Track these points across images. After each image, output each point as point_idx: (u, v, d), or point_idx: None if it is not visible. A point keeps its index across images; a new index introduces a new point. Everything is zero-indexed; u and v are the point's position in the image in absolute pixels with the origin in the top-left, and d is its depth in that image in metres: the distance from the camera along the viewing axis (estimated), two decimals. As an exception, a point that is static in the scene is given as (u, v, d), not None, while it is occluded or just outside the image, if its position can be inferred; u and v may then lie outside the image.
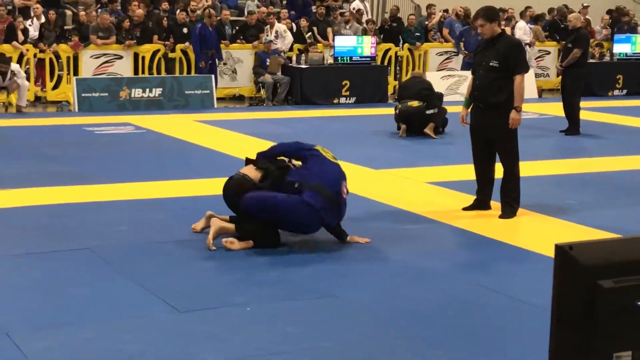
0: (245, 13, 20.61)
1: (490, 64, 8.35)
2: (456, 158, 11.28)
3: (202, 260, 6.84)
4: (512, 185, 8.50)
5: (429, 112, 13.68)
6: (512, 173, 8.50)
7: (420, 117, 13.67)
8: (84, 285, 6.17)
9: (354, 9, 21.86)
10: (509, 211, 8.43)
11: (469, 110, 8.73)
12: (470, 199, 8.80)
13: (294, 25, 20.07)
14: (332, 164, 7.25)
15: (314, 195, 6.92)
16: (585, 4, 23.54)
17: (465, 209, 8.67)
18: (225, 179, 7.51)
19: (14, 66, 16.00)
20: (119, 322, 5.46)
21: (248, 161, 7.54)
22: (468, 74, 19.54)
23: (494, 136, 8.43)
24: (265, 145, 12.66)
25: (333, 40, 19.32)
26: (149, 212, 8.49)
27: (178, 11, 19.04)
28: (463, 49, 19.90)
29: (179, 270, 6.56)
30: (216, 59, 18.09)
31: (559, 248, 2.78)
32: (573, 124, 14.25)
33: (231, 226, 7.19)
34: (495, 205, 8.62)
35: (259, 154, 7.54)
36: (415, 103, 13.68)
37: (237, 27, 19.62)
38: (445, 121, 13.99)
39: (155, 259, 6.83)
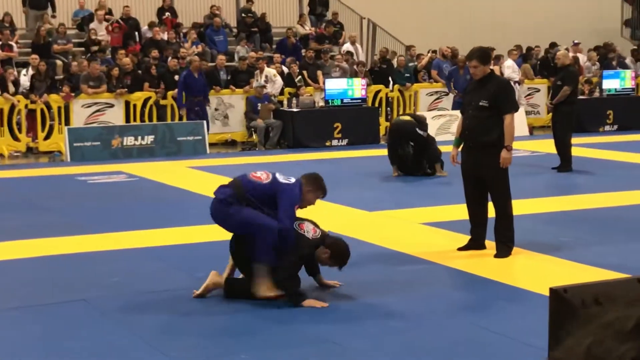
0: (236, 58, 20.72)
1: (480, 103, 8.40)
2: (450, 198, 11.29)
3: (198, 310, 6.80)
4: (506, 225, 8.50)
5: (420, 132, 13.70)
6: (505, 212, 8.51)
7: (413, 137, 13.67)
8: (81, 338, 6.12)
9: (344, 51, 22.05)
10: (504, 251, 8.43)
11: (460, 149, 8.76)
12: (465, 238, 8.80)
13: (284, 69, 20.17)
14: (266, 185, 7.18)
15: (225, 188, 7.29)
16: (576, 41, 23.72)
17: (460, 249, 8.67)
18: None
19: None
20: (115, 375, 5.42)
21: None
22: (459, 114, 19.72)
23: (485, 176, 8.46)
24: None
25: (323, 83, 19.42)
26: (143, 261, 8.46)
27: (169, 58, 19.14)
28: (453, 87, 20.04)
29: (175, 320, 6.53)
30: (204, 106, 18.12)
31: (553, 291, 2.77)
32: (565, 161, 14.29)
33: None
34: (490, 244, 8.61)
35: None
36: (406, 117, 13.83)
37: (229, 74, 19.71)
38: (441, 162, 13.97)
39: (151, 310, 6.80)
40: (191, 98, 17.92)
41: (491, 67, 9.16)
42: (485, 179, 8.48)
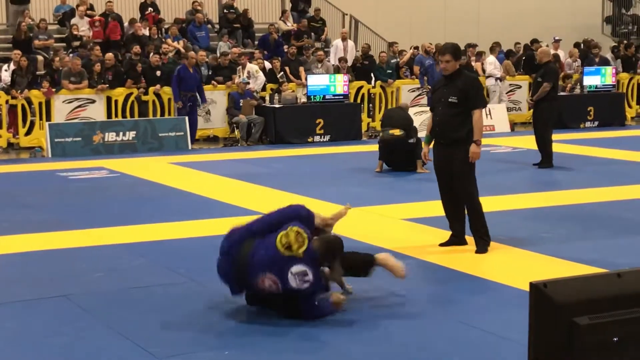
0: (218, 54, 20.68)
1: (450, 100, 8.41)
2: (432, 194, 11.29)
3: (181, 306, 6.79)
4: (477, 220, 8.50)
5: (410, 141, 13.78)
6: (474, 208, 8.51)
7: (402, 147, 13.74)
8: (61, 334, 6.11)
9: (331, 45, 22.24)
10: (481, 245, 8.45)
11: (431, 146, 8.77)
12: (446, 234, 8.82)
13: (266, 65, 20.15)
14: (270, 250, 6.20)
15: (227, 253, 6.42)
16: (556, 38, 23.80)
17: (442, 245, 8.69)
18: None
19: None
20: (96, 371, 5.41)
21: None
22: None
23: (453, 171, 8.48)
24: (241, 185, 12.65)
25: (306, 79, 19.41)
26: (125, 257, 8.44)
27: (151, 54, 19.07)
28: (426, 84, 20.10)
29: (156, 316, 6.51)
30: (196, 101, 18.05)
31: (533, 286, 2.79)
32: (546, 157, 14.34)
33: None
34: (471, 239, 8.64)
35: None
36: (397, 131, 13.79)
37: (211, 69, 19.67)
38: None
39: (131, 305, 6.78)
40: (184, 93, 17.86)
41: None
42: (454, 174, 8.49)
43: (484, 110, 8.55)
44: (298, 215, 6.55)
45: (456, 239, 8.69)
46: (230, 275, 6.37)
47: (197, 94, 18.00)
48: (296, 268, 6.11)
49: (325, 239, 6.46)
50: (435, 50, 21.30)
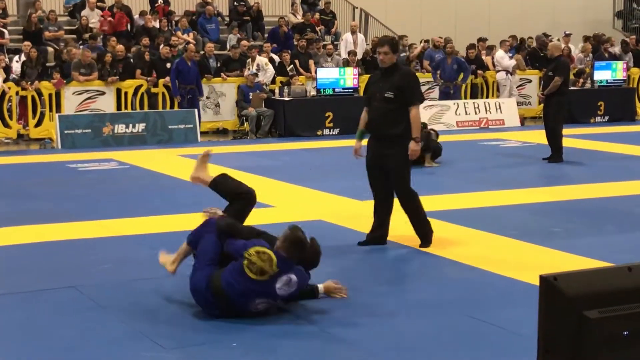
0: (228, 47, 20.68)
1: (386, 95, 8.21)
2: (440, 188, 11.30)
3: (189, 298, 6.78)
4: (419, 220, 8.37)
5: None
6: (414, 208, 8.36)
7: None
8: (69, 325, 6.11)
9: (341, 39, 22.20)
10: (426, 241, 8.35)
11: (364, 142, 8.56)
12: (457, 228, 8.79)
13: (275, 58, 20.13)
14: (247, 282, 6.09)
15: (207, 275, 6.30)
16: (567, 32, 23.72)
17: (361, 243, 8.43)
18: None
19: None
20: (104, 362, 5.42)
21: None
22: (450, 104, 19.76)
23: (387, 168, 8.30)
24: (250, 177, 12.66)
25: (315, 72, 19.39)
26: (133, 248, 8.45)
27: (162, 46, 19.08)
28: (439, 77, 20.07)
29: (165, 308, 6.51)
30: (197, 94, 18.04)
31: (543, 279, 2.78)
32: (556, 152, 14.30)
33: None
34: (470, 232, 8.61)
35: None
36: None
37: (220, 61, 19.67)
38: (438, 151, 13.90)
39: (140, 297, 6.78)
40: (183, 85, 17.87)
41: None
42: (388, 172, 8.33)
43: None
44: (223, 231, 6.47)
45: (377, 238, 8.49)
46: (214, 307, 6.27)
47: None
48: (280, 282, 6.12)
49: (284, 238, 6.24)
50: (444, 44, 21.24)
